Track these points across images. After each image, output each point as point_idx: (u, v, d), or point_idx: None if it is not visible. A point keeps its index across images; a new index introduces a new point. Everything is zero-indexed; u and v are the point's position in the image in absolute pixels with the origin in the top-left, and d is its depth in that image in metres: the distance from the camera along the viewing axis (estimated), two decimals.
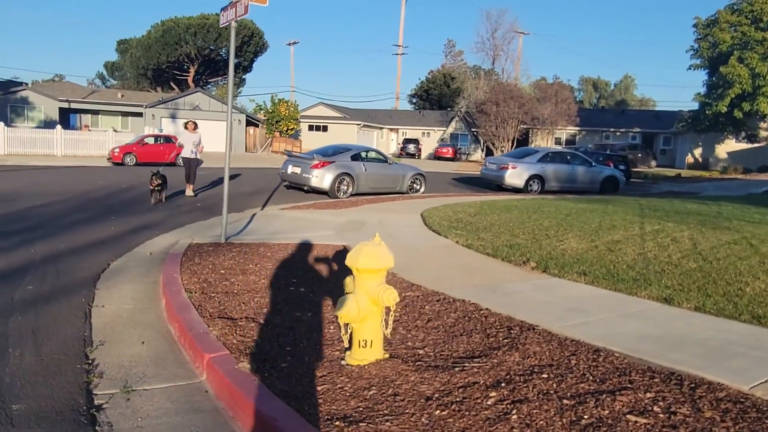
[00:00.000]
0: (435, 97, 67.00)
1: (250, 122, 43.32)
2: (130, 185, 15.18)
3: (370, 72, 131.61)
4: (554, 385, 3.29)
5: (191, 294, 4.95)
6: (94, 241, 7.50)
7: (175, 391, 3.45)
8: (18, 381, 3.37)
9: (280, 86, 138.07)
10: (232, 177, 18.60)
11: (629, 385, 3.31)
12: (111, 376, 3.56)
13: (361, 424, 2.82)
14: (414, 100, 72.36)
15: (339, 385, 3.28)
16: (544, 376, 3.42)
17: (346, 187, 14.99)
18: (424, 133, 54.59)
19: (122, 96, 43.09)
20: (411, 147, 49.15)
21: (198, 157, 13.37)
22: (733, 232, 7.86)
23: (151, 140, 27.94)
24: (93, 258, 6.54)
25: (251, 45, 56.76)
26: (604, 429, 2.78)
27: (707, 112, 30.83)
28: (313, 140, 49.10)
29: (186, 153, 13.33)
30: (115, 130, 35.54)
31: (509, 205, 11.16)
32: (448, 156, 46.51)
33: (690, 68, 32.42)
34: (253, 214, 10.56)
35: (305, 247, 7.21)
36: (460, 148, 49.39)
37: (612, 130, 45.93)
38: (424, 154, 50.30)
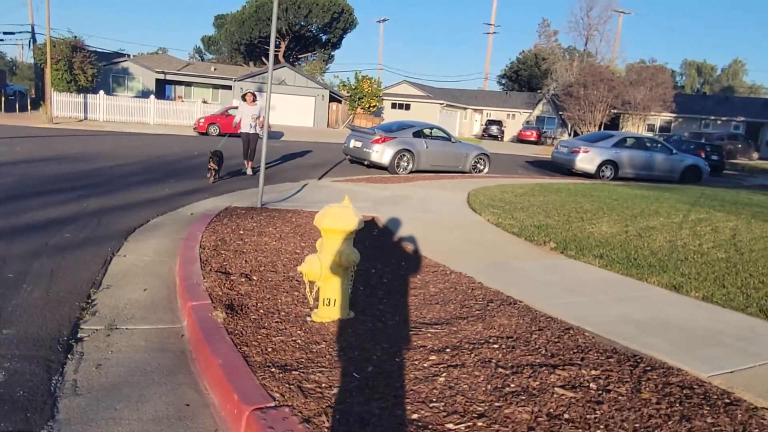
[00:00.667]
0: (525, 78, 65.16)
1: (334, 98, 44.07)
2: (201, 152, 16.03)
3: (459, 51, 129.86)
4: (499, 354, 3.30)
5: (203, 250, 5.27)
6: (144, 200, 8.07)
7: (154, 332, 3.75)
8: (18, 311, 3.80)
9: (368, 63, 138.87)
10: (305, 152, 19.25)
11: (579, 362, 3.26)
12: (102, 315, 3.91)
13: (294, 372, 2.98)
14: (503, 81, 70.74)
15: (293, 338, 3.45)
16: (495, 346, 3.43)
17: (405, 164, 15.07)
18: (509, 114, 53.36)
19: (215, 69, 45.07)
20: (494, 128, 48.31)
21: (258, 131, 12.01)
22: (748, 216, 7.29)
23: (235, 111, 28.99)
24: (137, 214, 7.06)
25: (341, 21, 57.34)
26: (524, 397, 2.79)
27: None
28: (396, 117, 49.28)
29: (245, 128, 12.07)
30: (205, 102, 37.38)
31: (562, 188, 10.85)
32: (532, 139, 45.29)
33: None
34: (305, 185, 10.89)
35: None
36: (545, 132, 47.91)
37: (712, 118, 42.89)
38: (507, 137, 49.28)
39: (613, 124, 42.96)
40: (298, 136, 29.44)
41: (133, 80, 38.51)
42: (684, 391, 2.99)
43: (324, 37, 59.93)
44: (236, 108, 33.28)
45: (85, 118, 29.33)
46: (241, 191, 9.62)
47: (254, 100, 12.24)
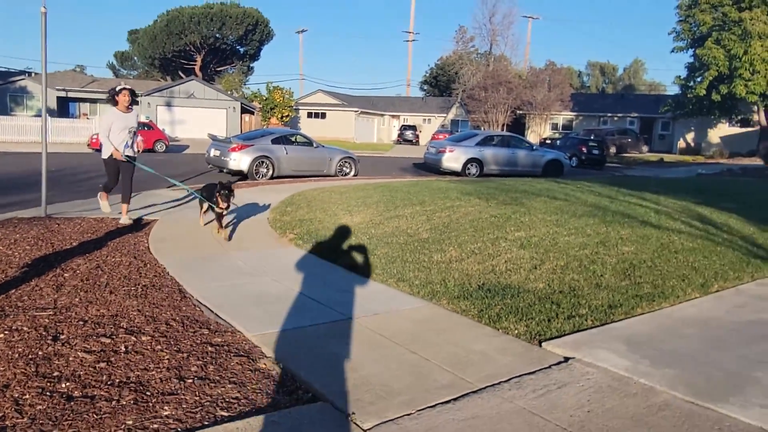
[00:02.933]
0: (444, 83, 66.68)
1: (246, 110, 44.12)
2: (63, 169, 16.02)
3: (381, 59, 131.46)
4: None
5: None
6: None
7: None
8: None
9: (289, 74, 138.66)
10: (190, 162, 19.51)
11: (150, 329, 3.77)
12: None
13: None
14: (425, 87, 72.24)
15: None
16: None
17: (265, 170, 15.48)
18: (425, 119, 54.63)
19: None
20: (408, 133, 49.37)
21: (136, 154, 7.86)
22: (519, 206, 8.06)
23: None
24: None
25: (256, 33, 57.40)
26: None
27: (688, 95, 30.20)
28: (312, 127, 49.72)
29: (115, 147, 7.55)
30: None
31: (391, 186, 11.46)
32: None
33: (673, 51, 31.71)
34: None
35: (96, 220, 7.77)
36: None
37: (610, 115, 45.17)
38: (423, 140, 50.39)
39: (519, 123, 44.68)
40: (203, 148, 29.40)
41: (33, 99, 37.54)
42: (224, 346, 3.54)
43: (241, 49, 59.76)
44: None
45: None
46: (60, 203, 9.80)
47: (130, 104, 7.65)
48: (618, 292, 4.65)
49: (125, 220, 7.67)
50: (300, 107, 49.84)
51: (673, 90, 35.11)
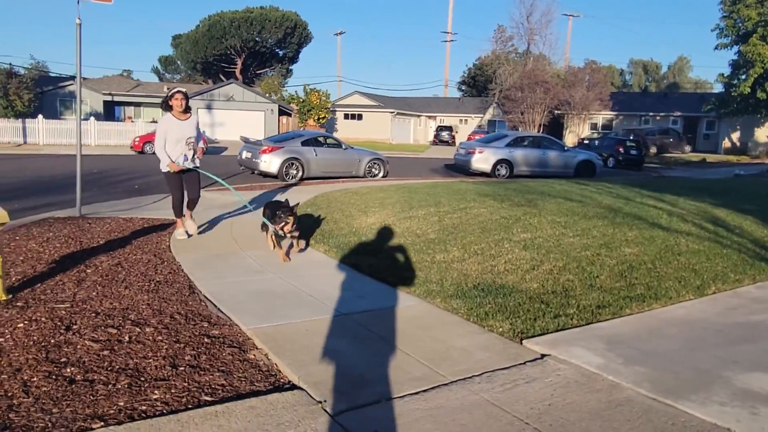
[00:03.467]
0: (481, 83, 66.30)
1: (283, 112, 44.89)
2: (103, 170, 16.76)
3: (419, 60, 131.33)
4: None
5: None
6: None
7: None
8: None
9: (327, 76, 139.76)
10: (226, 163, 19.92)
11: (153, 321, 4.07)
12: None
13: None
14: (462, 88, 72.02)
15: None
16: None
17: (295, 171, 15.87)
18: (462, 120, 54.46)
19: (167, 89, 45.67)
20: (444, 134, 49.36)
21: (197, 164, 7.12)
22: (531, 207, 8.13)
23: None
24: None
25: (295, 36, 58.33)
26: None
27: (732, 93, 29.35)
28: (349, 128, 50.28)
29: (173, 160, 6.86)
30: (155, 121, 37.98)
31: (413, 188, 11.65)
32: None
33: (717, 48, 30.85)
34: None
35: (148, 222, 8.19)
36: None
37: (651, 114, 44.17)
38: (459, 141, 50.29)
39: (557, 123, 44.17)
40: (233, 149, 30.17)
41: (82, 103, 39.07)
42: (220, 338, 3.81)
43: (280, 52, 60.86)
44: None
45: (25, 142, 29.89)
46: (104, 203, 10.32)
47: (187, 109, 6.74)
48: (610, 293, 4.73)
49: (190, 225, 6.98)
50: (337, 109, 50.41)
51: (719, 88, 34.06)
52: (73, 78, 41.52)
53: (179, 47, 59.98)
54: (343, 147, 17.42)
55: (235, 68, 58.12)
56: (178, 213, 6.98)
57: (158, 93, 43.42)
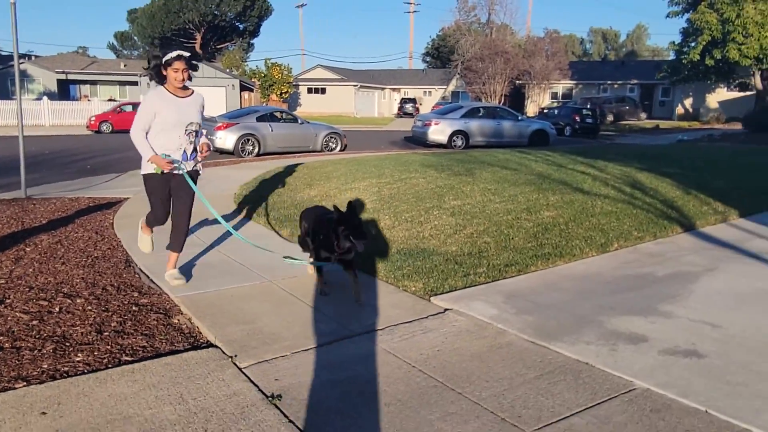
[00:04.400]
0: (445, 55, 66.21)
1: (245, 87, 44.43)
2: (56, 151, 16.58)
3: (383, 32, 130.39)
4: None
5: None
6: None
7: None
8: None
9: (290, 50, 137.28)
10: None
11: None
12: None
13: None
14: (427, 59, 71.88)
15: None
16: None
17: (251, 147, 15.99)
18: (426, 92, 54.67)
19: (125, 66, 44.76)
20: (408, 107, 49.50)
21: (199, 167, 5.41)
22: (468, 176, 8.50)
23: (129, 108, 29.16)
24: None
25: (255, 9, 57.37)
26: None
27: (683, 61, 30.10)
28: (312, 103, 50.01)
29: (170, 156, 4.85)
30: (112, 99, 37.32)
31: (362, 160, 11.91)
32: None
33: (668, 16, 31.46)
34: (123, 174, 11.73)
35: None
36: None
37: (609, 82, 44.99)
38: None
39: (519, 93, 44.62)
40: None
41: (33, 82, 38.11)
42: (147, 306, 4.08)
43: (241, 26, 59.83)
44: (130, 104, 33.41)
45: None
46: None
47: (186, 79, 4.44)
48: (520, 253, 5.11)
49: (172, 276, 4.61)
50: (300, 83, 50.05)
51: (672, 56, 34.84)
52: (23, 57, 40.36)
53: (135, 22, 58.41)
54: (300, 122, 17.55)
55: (195, 43, 56.88)
56: (150, 225, 4.91)
57: (115, 70, 42.58)
